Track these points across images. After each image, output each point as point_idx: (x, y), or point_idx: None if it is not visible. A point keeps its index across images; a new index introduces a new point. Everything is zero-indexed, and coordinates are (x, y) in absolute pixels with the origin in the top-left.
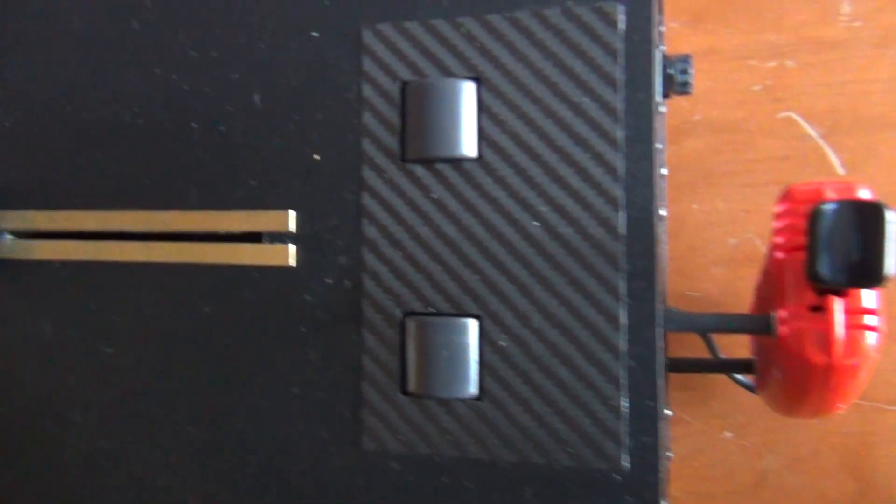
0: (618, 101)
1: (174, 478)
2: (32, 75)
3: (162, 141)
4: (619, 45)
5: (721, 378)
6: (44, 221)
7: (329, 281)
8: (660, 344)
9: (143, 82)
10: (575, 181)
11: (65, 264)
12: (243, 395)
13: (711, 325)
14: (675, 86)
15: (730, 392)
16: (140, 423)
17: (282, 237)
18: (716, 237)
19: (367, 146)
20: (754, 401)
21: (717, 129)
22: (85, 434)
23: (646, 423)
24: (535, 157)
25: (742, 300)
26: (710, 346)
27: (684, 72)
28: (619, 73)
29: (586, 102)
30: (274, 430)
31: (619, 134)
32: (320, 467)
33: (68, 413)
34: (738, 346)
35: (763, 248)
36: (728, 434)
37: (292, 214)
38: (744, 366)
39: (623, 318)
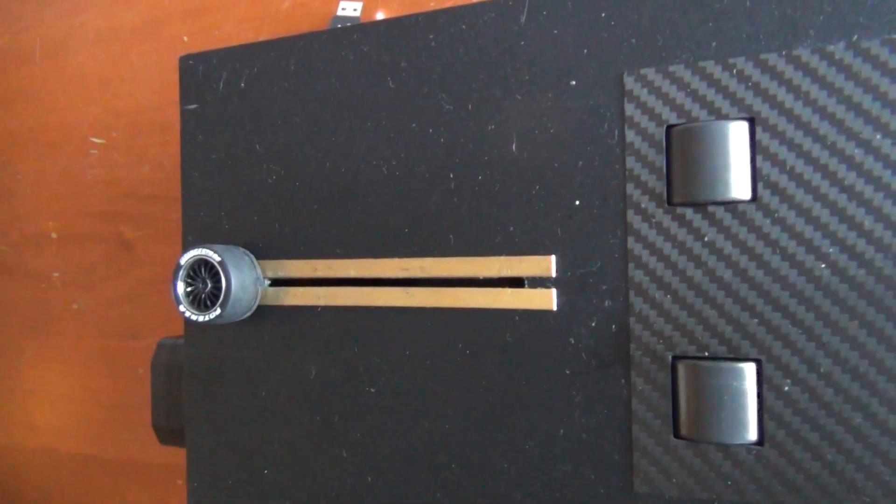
0: None
1: None
2: (294, 135)
3: (419, 191)
4: None
5: None
6: (306, 269)
7: (593, 324)
8: None
9: (400, 137)
10: (868, 222)
11: (327, 309)
12: (507, 436)
13: None
14: None
15: None
16: (404, 461)
17: (543, 282)
18: None
19: (632, 190)
20: None
21: None
22: (351, 469)
23: None
24: (819, 197)
25: None
26: None
27: None
28: None
29: (878, 139)
30: (539, 472)
31: None
32: None
33: (335, 449)
34: None
35: None
36: None
37: (553, 259)
38: None
39: None
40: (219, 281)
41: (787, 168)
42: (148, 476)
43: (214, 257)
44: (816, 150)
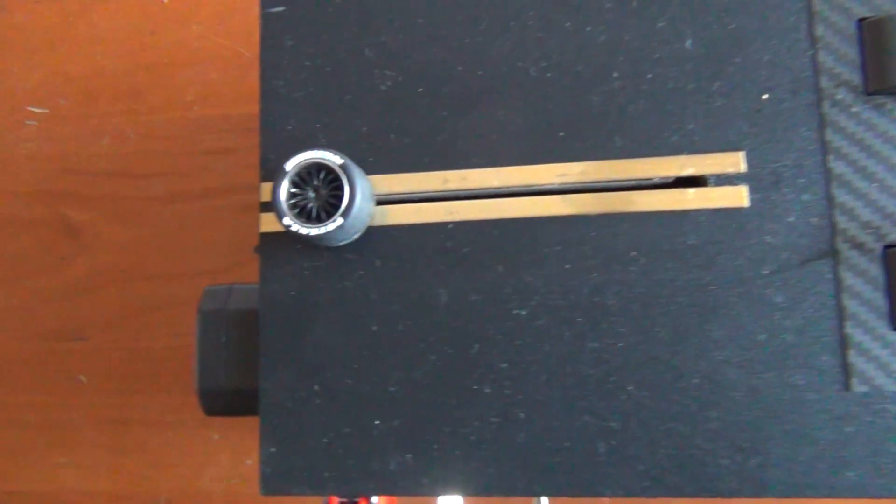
0: None
1: (616, 448)
2: (415, 37)
3: (576, 92)
4: None
5: None
6: (434, 182)
7: (791, 220)
8: None
9: (550, 36)
10: None
11: (461, 225)
12: (697, 349)
13: None
14: None
15: None
16: (566, 388)
17: (730, 179)
18: None
19: (826, 83)
20: None
21: None
22: (497, 406)
23: None
24: None
25: None
26: None
27: None
28: None
29: None
30: (738, 383)
31: None
32: (800, 417)
33: (475, 384)
34: None
35: None
36: None
37: (742, 155)
38: None
39: None
40: (337, 188)
41: None
42: None
43: (335, 160)
44: None
